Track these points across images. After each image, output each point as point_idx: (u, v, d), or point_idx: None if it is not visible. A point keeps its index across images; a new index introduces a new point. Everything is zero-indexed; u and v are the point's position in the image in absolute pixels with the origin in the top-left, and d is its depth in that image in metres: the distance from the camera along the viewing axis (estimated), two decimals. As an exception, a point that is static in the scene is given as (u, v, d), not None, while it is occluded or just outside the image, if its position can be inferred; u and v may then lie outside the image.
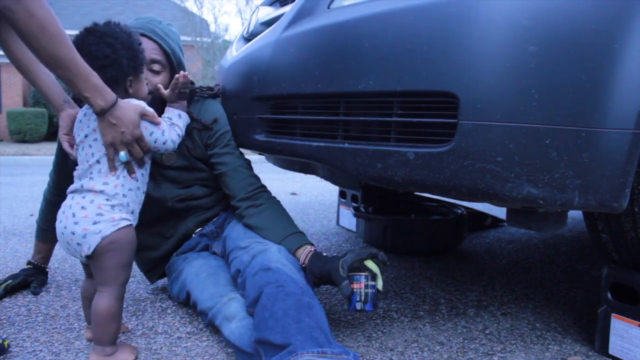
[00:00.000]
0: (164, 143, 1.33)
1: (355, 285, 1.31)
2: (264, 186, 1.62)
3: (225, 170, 1.61)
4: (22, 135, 12.80)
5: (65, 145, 1.41)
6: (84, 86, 1.17)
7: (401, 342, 1.41)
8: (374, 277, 1.33)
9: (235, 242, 1.53)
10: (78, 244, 1.22)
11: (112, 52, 1.24)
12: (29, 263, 1.85)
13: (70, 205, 1.24)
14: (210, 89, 1.71)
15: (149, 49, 1.49)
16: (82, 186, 1.25)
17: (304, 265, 1.41)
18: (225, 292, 1.43)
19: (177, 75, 1.45)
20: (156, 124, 1.30)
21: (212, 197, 1.71)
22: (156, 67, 1.53)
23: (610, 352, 1.31)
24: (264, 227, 1.52)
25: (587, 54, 0.98)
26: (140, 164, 1.30)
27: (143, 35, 1.50)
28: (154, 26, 1.55)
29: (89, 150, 1.27)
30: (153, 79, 1.52)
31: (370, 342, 1.41)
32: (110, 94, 1.21)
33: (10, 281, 1.75)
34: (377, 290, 1.34)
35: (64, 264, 2.13)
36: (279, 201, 1.61)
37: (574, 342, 1.43)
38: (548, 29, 0.98)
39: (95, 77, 1.18)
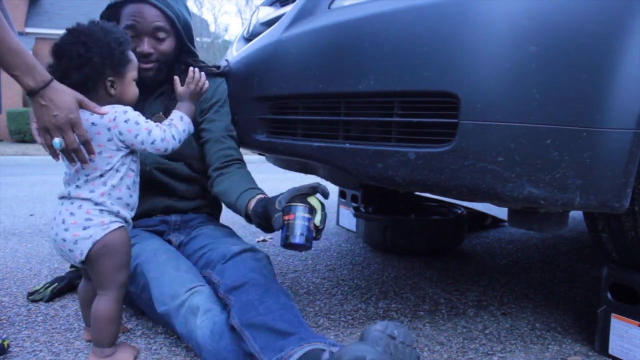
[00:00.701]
0: (152, 143, 1.25)
1: (287, 217, 1.21)
2: (240, 159, 1.60)
3: (209, 137, 1.59)
4: (22, 135, 12.79)
5: (35, 134, 1.32)
6: (12, 63, 1.08)
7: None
8: (310, 210, 1.24)
9: (210, 239, 1.49)
10: (70, 250, 1.20)
11: (85, 51, 1.20)
12: (72, 266, 1.83)
13: (60, 212, 1.23)
14: (217, 67, 1.69)
15: (151, 16, 1.48)
16: (69, 193, 1.23)
17: (249, 212, 1.38)
18: (187, 281, 1.36)
19: (191, 70, 1.43)
20: (101, 114, 1.20)
21: (191, 188, 1.67)
22: (161, 34, 1.51)
23: (610, 352, 1.31)
24: (225, 192, 1.50)
25: (587, 54, 0.98)
26: (80, 156, 1.18)
27: (143, 1, 1.48)
28: None
29: None
30: (159, 47, 1.52)
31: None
32: (43, 74, 1.12)
33: (56, 284, 1.74)
34: (315, 225, 1.24)
35: (64, 264, 2.12)
36: (248, 171, 1.58)
37: (574, 342, 1.43)
38: (548, 29, 0.98)
39: (27, 56, 1.09)
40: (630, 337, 1.26)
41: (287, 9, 1.48)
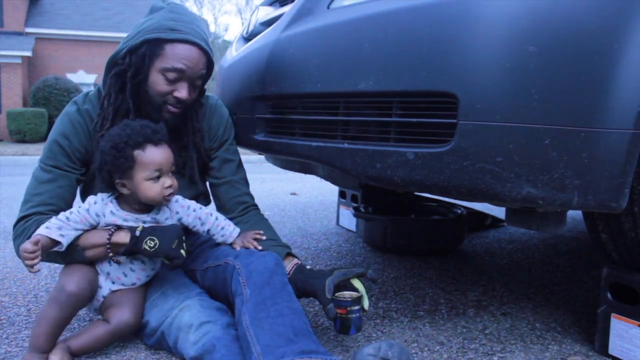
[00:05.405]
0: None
1: (339, 310, 1.30)
2: (255, 205, 1.60)
3: (223, 181, 1.56)
4: (22, 135, 12.80)
5: None
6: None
7: (401, 342, 1.41)
8: (358, 299, 1.32)
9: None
10: None
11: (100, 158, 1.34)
12: None
13: None
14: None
15: (200, 63, 1.37)
16: None
17: (289, 276, 1.37)
18: (175, 304, 1.33)
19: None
20: None
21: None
22: (199, 82, 1.40)
23: (610, 352, 1.30)
24: None
25: (586, 54, 0.98)
26: None
27: (195, 45, 1.35)
28: (202, 30, 1.39)
29: None
30: (193, 94, 1.41)
31: (370, 342, 1.41)
32: None
33: None
34: (363, 309, 1.33)
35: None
36: (266, 218, 1.58)
37: (574, 342, 1.43)
38: (548, 29, 0.98)
39: None
40: (630, 337, 1.25)
41: (287, 8, 1.48)
